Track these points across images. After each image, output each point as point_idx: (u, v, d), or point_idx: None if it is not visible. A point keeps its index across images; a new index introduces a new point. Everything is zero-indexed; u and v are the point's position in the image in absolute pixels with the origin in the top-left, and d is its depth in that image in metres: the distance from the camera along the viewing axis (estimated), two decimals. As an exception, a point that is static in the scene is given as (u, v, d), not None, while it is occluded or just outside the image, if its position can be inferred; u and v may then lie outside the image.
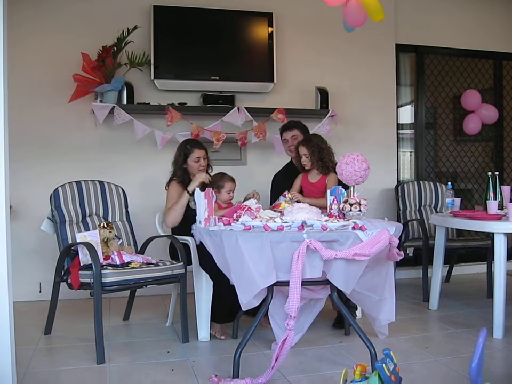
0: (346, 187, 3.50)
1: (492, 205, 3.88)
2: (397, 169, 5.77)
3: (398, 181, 5.76)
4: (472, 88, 5.92)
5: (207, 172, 3.95)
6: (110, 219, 4.01)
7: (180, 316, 3.53)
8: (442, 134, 6.14)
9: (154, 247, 3.95)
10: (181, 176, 3.93)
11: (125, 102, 4.70)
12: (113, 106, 4.60)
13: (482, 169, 6.18)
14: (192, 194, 3.67)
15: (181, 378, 2.90)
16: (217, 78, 4.96)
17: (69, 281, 3.38)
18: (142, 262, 3.46)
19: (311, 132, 4.57)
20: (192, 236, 3.52)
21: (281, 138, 4.47)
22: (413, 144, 6.00)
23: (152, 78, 4.83)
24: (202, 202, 3.19)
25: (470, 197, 6.18)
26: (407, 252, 5.03)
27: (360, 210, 3.16)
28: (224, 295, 3.32)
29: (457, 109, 6.09)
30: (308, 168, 4.05)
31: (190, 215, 3.70)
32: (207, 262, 3.31)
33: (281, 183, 4.24)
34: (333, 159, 4.00)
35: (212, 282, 3.52)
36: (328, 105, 5.19)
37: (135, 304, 4.09)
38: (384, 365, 2.23)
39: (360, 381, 2.30)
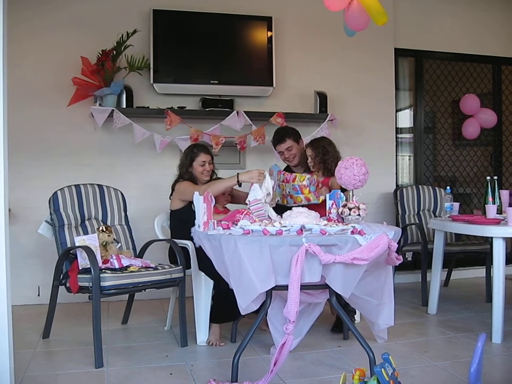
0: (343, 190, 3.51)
1: (491, 209, 3.88)
2: (396, 174, 5.78)
3: (397, 185, 5.76)
4: (471, 93, 5.94)
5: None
6: (108, 223, 4.01)
7: (179, 319, 3.53)
8: (441, 138, 6.15)
9: (153, 251, 3.94)
10: (190, 179, 3.92)
11: (124, 106, 4.71)
12: (113, 110, 4.61)
13: (481, 174, 6.19)
14: (240, 184, 3.71)
15: (180, 382, 2.89)
16: (217, 82, 4.96)
17: (68, 285, 3.37)
18: (140, 265, 3.46)
19: (310, 136, 4.57)
20: (192, 240, 3.51)
21: (275, 150, 4.31)
22: (412, 148, 6.01)
23: (152, 81, 4.84)
24: (201, 206, 3.19)
25: (468, 201, 6.19)
26: (406, 256, 5.03)
27: (359, 215, 3.16)
28: (225, 293, 3.28)
29: (456, 113, 6.10)
30: (312, 170, 4.06)
31: (189, 218, 3.70)
32: (207, 265, 3.30)
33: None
34: (337, 163, 3.97)
35: (211, 285, 3.52)
36: (327, 109, 5.20)
37: (134, 308, 4.09)
38: (383, 369, 2.23)
39: (358, 386, 2.30)
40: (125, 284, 3.26)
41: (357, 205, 3.18)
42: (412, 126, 6.00)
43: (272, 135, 4.87)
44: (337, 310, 3.04)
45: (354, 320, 3.89)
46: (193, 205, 3.55)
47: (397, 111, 5.81)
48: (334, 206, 3.35)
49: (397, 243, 2.98)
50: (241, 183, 3.70)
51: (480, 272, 5.28)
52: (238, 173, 3.71)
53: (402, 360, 3.10)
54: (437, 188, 5.52)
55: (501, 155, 6.32)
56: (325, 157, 3.95)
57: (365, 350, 2.91)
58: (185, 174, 3.94)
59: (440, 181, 6.10)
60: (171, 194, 3.97)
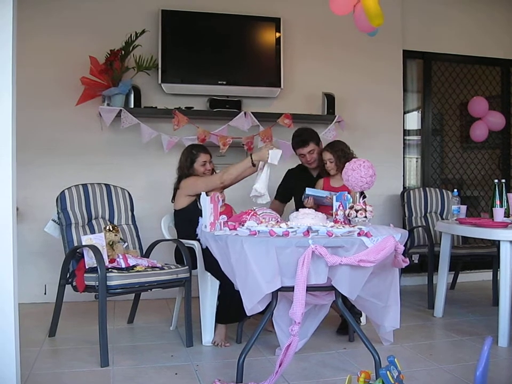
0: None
1: (498, 213, 3.86)
2: (403, 176, 5.76)
3: (404, 187, 5.75)
4: (479, 95, 5.92)
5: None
6: (115, 222, 4.02)
7: (184, 319, 3.54)
8: (449, 141, 6.13)
9: (160, 251, 3.95)
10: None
11: (132, 106, 4.72)
12: (120, 109, 4.62)
13: (488, 177, 6.16)
14: (254, 165, 3.72)
15: (185, 382, 2.90)
16: (224, 82, 4.97)
17: (74, 283, 3.39)
18: (147, 265, 3.46)
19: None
20: (198, 240, 3.51)
21: (295, 153, 4.32)
22: (420, 151, 5.99)
23: (160, 82, 4.85)
24: (208, 206, 3.19)
25: (476, 204, 6.17)
26: (413, 259, 5.01)
27: (365, 217, 3.16)
28: (231, 294, 3.28)
29: (464, 116, 6.08)
30: (333, 173, 4.04)
31: (196, 217, 3.71)
32: (213, 265, 3.30)
33: (293, 183, 4.24)
34: None
35: (217, 285, 3.53)
36: (335, 110, 5.19)
37: (140, 307, 4.10)
38: (388, 372, 2.23)
39: (364, 388, 2.30)
40: (131, 284, 3.27)
41: (364, 207, 3.18)
42: (420, 128, 5.99)
43: (279, 136, 4.88)
44: (343, 312, 3.03)
45: (360, 322, 3.88)
46: (199, 203, 3.55)
47: (404, 113, 5.80)
48: (341, 207, 3.35)
49: (404, 245, 2.98)
50: (255, 164, 3.72)
51: (486, 275, 5.26)
52: (251, 154, 3.74)
53: (407, 363, 3.09)
54: (444, 191, 5.50)
55: (509, 158, 6.29)
56: (346, 159, 3.90)
57: (370, 352, 2.90)
58: (187, 176, 3.93)
59: (448, 183, 6.08)
60: (173, 198, 3.97)
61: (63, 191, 3.87)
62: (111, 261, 3.40)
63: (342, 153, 3.99)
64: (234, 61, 5.04)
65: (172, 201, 4.00)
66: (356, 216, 3.17)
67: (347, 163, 3.47)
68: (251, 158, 3.73)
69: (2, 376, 2.45)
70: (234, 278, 2.91)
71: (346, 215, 3.24)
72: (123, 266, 3.36)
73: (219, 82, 4.96)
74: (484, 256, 4.91)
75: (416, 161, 6.03)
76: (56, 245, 3.97)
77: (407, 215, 5.24)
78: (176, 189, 3.97)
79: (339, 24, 4.83)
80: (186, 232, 3.83)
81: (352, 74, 5.44)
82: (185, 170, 3.96)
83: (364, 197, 3.46)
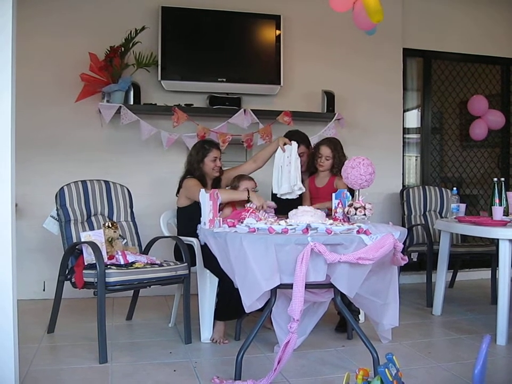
0: (351, 191, 3.48)
1: (497, 211, 3.87)
2: (403, 174, 5.76)
3: (403, 186, 5.75)
4: (479, 94, 5.92)
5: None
6: (114, 219, 4.02)
7: (183, 316, 3.54)
8: (448, 139, 6.13)
9: (159, 248, 3.95)
10: (200, 175, 3.92)
11: (131, 102, 4.72)
12: (120, 106, 4.61)
13: (488, 175, 6.17)
14: (248, 200, 3.69)
15: (183, 379, 2.90)
16: (224, 79, 4.96)
17: (73, 280, 3.39)
18: (146, 262, 3.47)
19: (317, 136, 4.54)
20: (197, 237, 3.51)
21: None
22: (419, 149, 5.99)
23: (159, 78, 4.84)
24: (207, 203, 3.19)
25: (475, 203, 6.17)
26: (411, 257, 5.02)
27: (365, 214, 3.16)
28: (230, 291, 3.27)
29: (463, 114, 6.08)
30: (323, 169, 4.03)
31: (197, 216, 3.70)
32: (212, 262, 3.30)
33: None
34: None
35: (216, 283, 3.53)
36: (335, 108, 5.19)
37: (139, 304, 4.10)
38: (386, 369, 2.23)
39: (362, 385, 2.30)
40: (130, 280, 3.27)
41: (363, 205, 3.18)
42: (419, 126, 5.99)
43: (278, 133, 4.86)
44: (341, 309, 3.03)
45: (359, 320, 3.88)
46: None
47: (404, 111, 5.79)
48: (340, 205, 3.35)
49: (403, 243, 2.98)
50: (249, 199, 3.70)
51: (485, 273, 5.26)
52: (248, 190, 3.73)
53: (406, 361, 3.10)
54: (443, 189, 5.50)
55: (509, 157, 6.30)
56: (343, 159, 3.88)
57: (368, 350, 2.90)
58: (196, 170, 3.93)
59: (447, 182, 6.08)
60: (178, 191, 3.97)
61: (62, 187, 3.86)
62: (110, 257, 3.40)
63: (342, 153, 3.98)
64: (234, 58, 5.04)
65: (176, 195, 4.00)
66: (355, 214, 3.17)
67: (346, 161, 3.47)
68: (248, 194, 3.71)
69: (1, 373, 2.45)
70: (233, 275, 2.92)
71: (346, 212, 3.24)
72: (122, 263, 3.36)
73: (219, 79, 4.96)
74: (483, 255, 4.93)
75: (416, 160, 6.03)
76: (55, 242, 3.97)
77: (406, 213, 5.24)
78: (180, 184, 3.95)
79: (339, 22, 4.82)
80: (187, 230, 3.82)
81: (352, 72, 5.44)
82: (195, 164, 3.94)
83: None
